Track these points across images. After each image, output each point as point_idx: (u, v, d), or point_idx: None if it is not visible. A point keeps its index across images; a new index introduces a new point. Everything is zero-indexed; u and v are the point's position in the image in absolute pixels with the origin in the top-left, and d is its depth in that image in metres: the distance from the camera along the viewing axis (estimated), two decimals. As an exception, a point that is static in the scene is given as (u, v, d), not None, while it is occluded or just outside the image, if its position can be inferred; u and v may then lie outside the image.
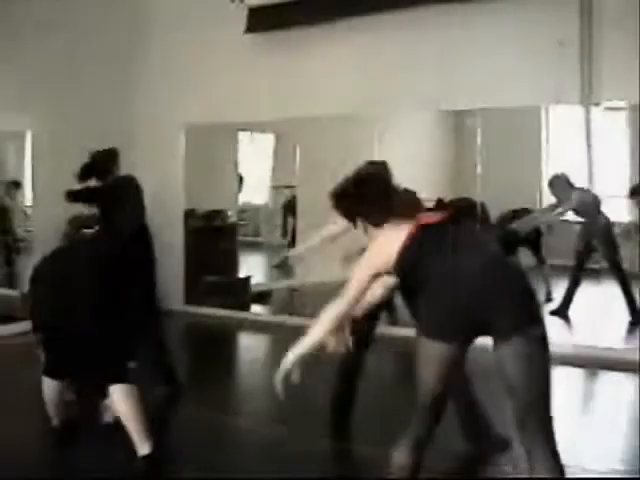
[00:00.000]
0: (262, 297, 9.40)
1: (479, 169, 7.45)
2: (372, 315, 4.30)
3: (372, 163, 4.36)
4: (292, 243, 9.37)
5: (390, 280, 3.39)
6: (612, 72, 6.43)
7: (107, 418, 4.59)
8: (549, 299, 7.81)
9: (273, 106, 8.13)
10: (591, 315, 7.62)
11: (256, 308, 9.19)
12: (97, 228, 5.81)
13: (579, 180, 7.11)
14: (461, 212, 7.60)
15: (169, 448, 4.40)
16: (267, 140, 9.90)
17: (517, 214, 7.74)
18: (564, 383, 5.69)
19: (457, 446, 4.33)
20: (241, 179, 9.44)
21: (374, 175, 3.37)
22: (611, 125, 7.20)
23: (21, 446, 4.56)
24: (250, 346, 8.11)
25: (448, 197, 7.49)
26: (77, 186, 6.05)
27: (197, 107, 8.56)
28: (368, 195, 3.19)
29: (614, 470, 4.10)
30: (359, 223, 3.23)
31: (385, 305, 4.56)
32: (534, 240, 7.96)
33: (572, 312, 7.49)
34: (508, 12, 6.87)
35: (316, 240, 4.86)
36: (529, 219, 7.70)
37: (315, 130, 8.36)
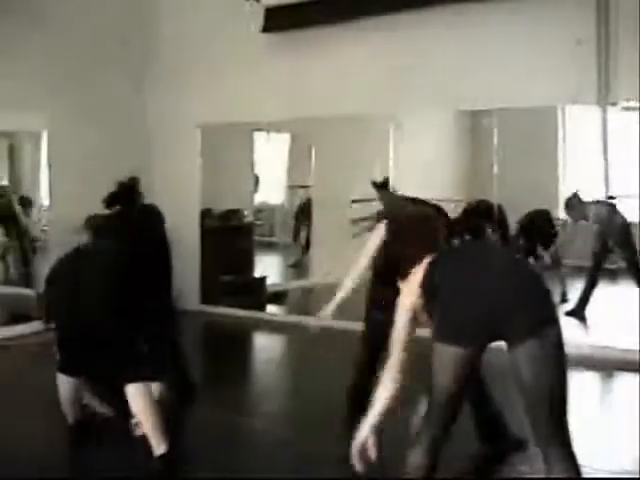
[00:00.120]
0: (278, 297, 9.40)
1: (495, 169, 7.43)
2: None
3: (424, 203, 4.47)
4: (307, 245, 9.38)
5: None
6: (629, 72, 6.39)
7: (138, 432, 4.56)
8: (565, 300, 7.78)
9: (289, 106, 8.13)
10: (608, 316, 7.58)
11: (271, 308, 9.20)
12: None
13: (595, 181, 7.07)
14: (479, 215, 7.60)
15: (184, 448, 4.40)
16: (283, 140, 9.90)
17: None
18: (580, 384, 5.66)
19: (473, 446, 4.32)
20: (257, 179, 9.45)
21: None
22: (628, 125, 7.15)
23: (36, 445, 4.59)
24: (265, 346, 8.11)
25: (464, 197, 7.47)
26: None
27: (213, 107, 8.57)
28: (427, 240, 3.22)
29: (627, 471, 4.09)
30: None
31: None
32: (550, 241, 7.92)
33: (588, 313, 7.46)
34: (524, 11, 6.84)
35: (348, 287, 4.74)
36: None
37: (331, 130, 8.35)
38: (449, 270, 2.98)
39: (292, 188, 9.96)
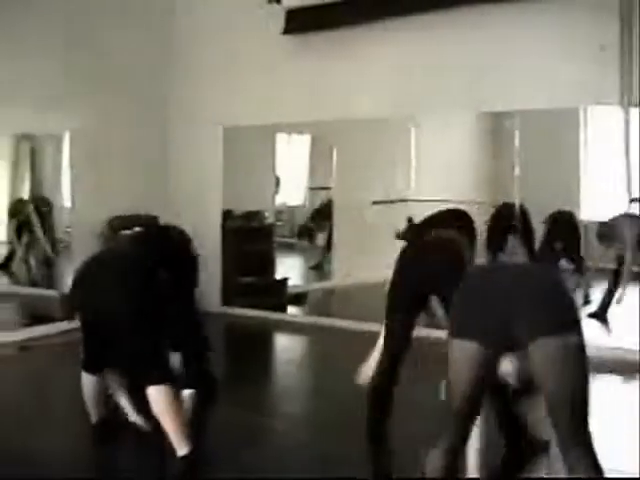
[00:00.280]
0: (298, 298, 9.41)
1: (517, 171, 7.41)
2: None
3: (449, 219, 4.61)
4: (328, 247, 9.38)
5: None
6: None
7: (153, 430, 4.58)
8: (587, 302, 7.74)
9: (310, 107, 8.14)
10: (631, 318, 7.53)
11: (292, 309, 9.22)
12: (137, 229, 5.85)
13: (617, 183, 7.03)
14: (503, 218, 7.61)
15: (205, 449, 4.41)
16: (304, 141, 9.91)
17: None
18: (602, 387, 5.63)
19: (494, 447, 4.31)
20: (278, 180, 9.47)
21: None
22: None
23: (59, 444, 4.62)
24: (286, 347, 8.13)
25: (486, 200, 7.47)
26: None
27: (235, 109, 8.59)
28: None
29: None
30: None
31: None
32: (573, 243, 7.89)
33: (611, 315, 7.42)
34: (547, 13, 6.82)
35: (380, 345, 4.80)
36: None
37: (352, 132, 8.36)
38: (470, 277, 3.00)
39: (313, 190, 9.97)
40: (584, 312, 7.32)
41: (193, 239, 4.97)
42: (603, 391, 5.55)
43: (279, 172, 9.47)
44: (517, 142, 7.43)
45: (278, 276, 9.25)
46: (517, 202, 7.50)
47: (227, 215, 8.95)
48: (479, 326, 2.86)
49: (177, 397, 4.14)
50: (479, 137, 8.66)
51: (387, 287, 4.64)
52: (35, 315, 7.91)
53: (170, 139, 8.91)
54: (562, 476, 2.95)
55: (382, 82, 7.72)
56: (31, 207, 8.28)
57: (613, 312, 7.42)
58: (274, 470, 4.26)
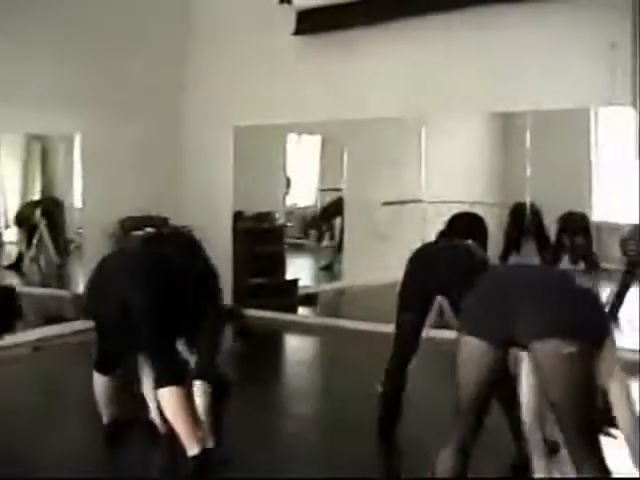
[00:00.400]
0: (309, 299, 9.42)
1: (528, 172, 7.41)
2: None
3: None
4: (339, 248, 9.38)
5: None
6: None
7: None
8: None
9: (321, 108, 8.15)
10: (630, 318, 7.52)
11: (303, 310, 9.22)
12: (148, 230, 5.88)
13: (629, 183, 7.01)
14: (517, 219, 7.63)
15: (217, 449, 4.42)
16: (315, 142, 9.91)
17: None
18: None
19: (504, 448, 4.31)
20: (289, 181, 9.48)
21: None
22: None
23: (70, 444, 4.64)
24: (297, 348, 8.13)
25: (497, 200, 7.46)
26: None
27: (246, 109, 8.60)
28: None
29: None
30: None
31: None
32: (584, 244, 7.88)
33: (622, 316, 7.41)
34: (558, 13, 6.81)
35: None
36: None
37: (362, 132, 8.36)
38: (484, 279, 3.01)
39: (324, 191, 9.97)
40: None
41: (204, 240, 4.98)
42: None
43: (290, 173, 9.47)
44: (528, 143, 7.42)
45: (289, 277, 9.26)
46: (528, 203, 7.49)
47: (238, 216, 8.96)
48: (487, 325, 2.87)
49: (189, 398, 4.14)
50: (490, 138, 8.66)
51: (398, 288, 4.68)
52: (48, 315, 7.93)
53: (181, 140, 8.93)
54: (571, 476, 2.95)
55: (393, 83, 7.72)
56: (39, 213, 8.27)
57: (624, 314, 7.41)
58: (283, 470, 4.27)
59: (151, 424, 4.60)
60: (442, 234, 5.01)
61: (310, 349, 7.98)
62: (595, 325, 2.88)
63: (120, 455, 4.54)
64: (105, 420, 4.60)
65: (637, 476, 3.07)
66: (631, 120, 6.68)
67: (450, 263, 4.46)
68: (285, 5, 8.00)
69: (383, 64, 7.78)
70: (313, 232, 9.95)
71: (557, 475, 3.99)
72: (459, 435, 2.99)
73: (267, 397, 5.77)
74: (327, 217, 9.64)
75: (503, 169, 8.35)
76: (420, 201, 7.94)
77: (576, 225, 7.83)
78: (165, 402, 4.09)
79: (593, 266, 7.84)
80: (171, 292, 4.22)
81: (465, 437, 2.99)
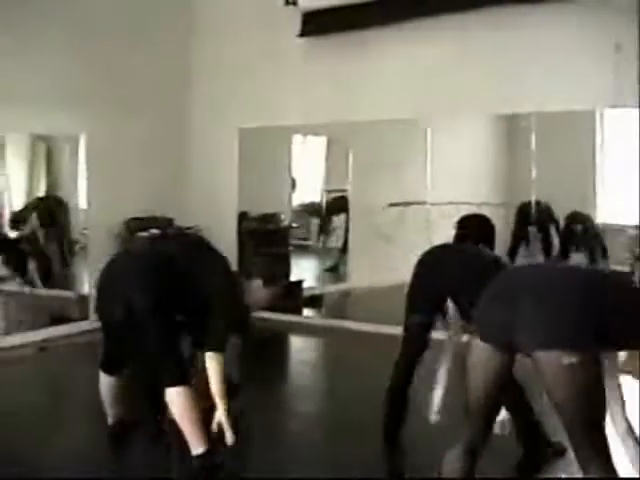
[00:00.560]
0: (314, 300, 9.42)
1: (533, 173, 7.41)
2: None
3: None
4: (344, 249, 9.37)
5: None
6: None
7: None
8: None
9: (326, 109, 8.15)
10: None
11: (308, 312, 9.22)
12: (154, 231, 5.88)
13: (633, 185, 7.01)
14: (524, 219, 7.64)
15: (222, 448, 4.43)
16: (320, 143, 9.91)
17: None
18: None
19: (511, 450, 4.31)
20: (294, 182, 9.47)
21: None
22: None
23: (75, 444, 4.64)
24: (301, 349, 8.13)
25: (502, 201, 7.46)
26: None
27: (252, 110, 8.61)
28: None
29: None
30: None
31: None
32: (589, 245, 7.87)
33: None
34: (563, 14, 6.82)
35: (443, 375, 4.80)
36: None
37: (368, 133, 8.36)
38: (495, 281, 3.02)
39: (329, 192, 9.96)
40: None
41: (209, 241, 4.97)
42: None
43: (295, 174, 9.47)
44: (533, 144, 7.42)
45: (293, 278, 9.26)
46: (533, 204, 7.50)
47: (243, 217, 8.97)
48: (493, 329, 2.87)
49: (194, 398, 4.15)
50: (495, 139, 8.65)
51: (404, 290, 4.69)
52: (53, 316, 7.93)
53: (186, 141, 8.94)
54: (578, 476, 2.95)
55: (397, 84, 7.72)
56: (35, 216, 8.20)
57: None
58: (289, 470, 4.28)
59: (156, 424, 4.61)
60: (457, 237, 5.00)
61: (315, 350, 7.98)
62: (598, 333, 2.79)
63: (125, 456, 4.54)
64: (110, 421, 4.61)
65: (637, 476, 3.08)
66: (636, 122, 6.67)
67: (460, 264, 4.47)
68: (291, 7, 8.01)
69: (388, 65, 7.79)
70: (315, 230, 9.95)
71: (563, 475, 4.01)
72: (468, 436, 2.99)
73: (272, 397, 5.77)
74: (330, 214, 9.63)
75: (508, 171, 8.34)
76: (425, 203, 7.95)
77: (581, 226, 7.82)
78: (171, 401, 4.10)
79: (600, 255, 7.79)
80: (176, 293, 4.24)
81: (474, 439, 2.99)
